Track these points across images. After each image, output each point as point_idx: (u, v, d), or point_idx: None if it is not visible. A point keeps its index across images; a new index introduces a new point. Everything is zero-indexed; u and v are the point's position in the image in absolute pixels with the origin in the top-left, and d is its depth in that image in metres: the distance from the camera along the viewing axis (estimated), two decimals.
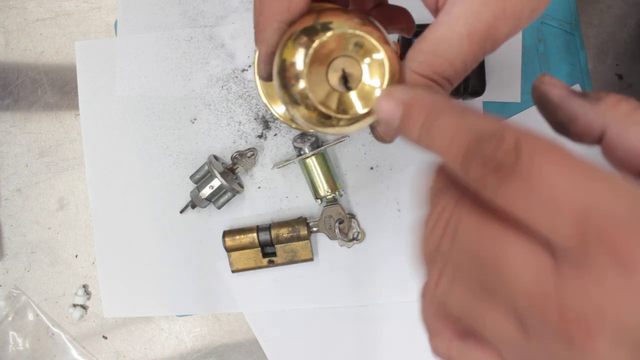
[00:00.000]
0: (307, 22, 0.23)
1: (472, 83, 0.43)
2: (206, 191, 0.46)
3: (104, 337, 0.51)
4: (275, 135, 0.49)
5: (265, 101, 0.38)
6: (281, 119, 0.39)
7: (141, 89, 0.50)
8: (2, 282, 0.52)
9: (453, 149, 0.17)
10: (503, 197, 0.15)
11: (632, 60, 0.49)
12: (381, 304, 0.48)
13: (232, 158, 0.48)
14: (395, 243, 0.48)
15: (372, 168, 0.48)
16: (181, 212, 0.49)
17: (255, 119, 0.49)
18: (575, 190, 0.14)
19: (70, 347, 0.51)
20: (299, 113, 0.24)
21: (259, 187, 0.49)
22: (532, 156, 0.15)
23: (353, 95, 0.23)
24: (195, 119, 0.49)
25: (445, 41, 0.22)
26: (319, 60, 0.23)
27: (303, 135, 0.47)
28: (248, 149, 0.48)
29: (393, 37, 0.41)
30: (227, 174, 0.46)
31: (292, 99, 0.23)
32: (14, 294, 0.51)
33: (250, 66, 0.49)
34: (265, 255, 0.47)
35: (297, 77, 0.23)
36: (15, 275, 0.51)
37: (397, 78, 0.23)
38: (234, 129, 0.49)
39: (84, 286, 0.51)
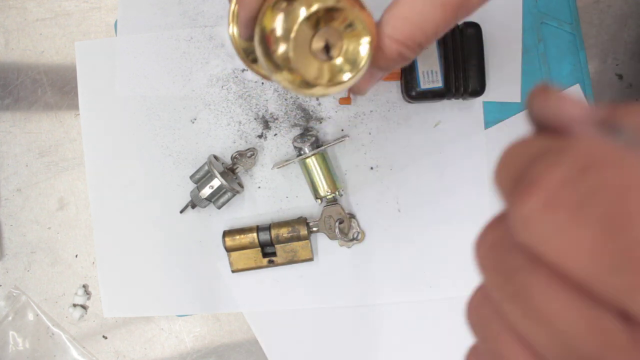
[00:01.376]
0: None
1: (472, 83, 0.43)
2: (206, 191, 0.46)
3: (104, 337, 0.51)
4: (275, 135, 0.49)
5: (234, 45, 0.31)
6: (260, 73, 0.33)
7: (141, 89, 0.50)
8: (2, 282, 0.52)
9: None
10: None
11: (632, 60, 0.49)
12: (381, 304, 0.48)
13: (232, 158, 0.48)
14: (395, 243, 0.48)
15: (372, 168, 0.48)
16: (181, 212, 0.49)
17: (255, 119, 0.49)
18: None
19: (70, 347, 0.51)
20: (282, 77, 0.25)
21: (259, 187, 0.49)
22: None
23: (337, 62, 0.25)
24: (195, 119, 0.49)
25: (418, 7, 0.22)
26: (304, 31, 0.24)
27: (303, 135, 0.47)
28: (248, 149, 0.48)
29: None
30: (227, 174, 0.46)
31: (275, 64, 0.24)
32: (14, 294, 0.51)
33: None
34: (265, 255, 0.47)
35: (278, 43, 0.24)
36: (15, 275, 0.51)
37: (375, 43, 0.24)
38: (234, 129, 0.49)
39: (84, 286, 0.51)
